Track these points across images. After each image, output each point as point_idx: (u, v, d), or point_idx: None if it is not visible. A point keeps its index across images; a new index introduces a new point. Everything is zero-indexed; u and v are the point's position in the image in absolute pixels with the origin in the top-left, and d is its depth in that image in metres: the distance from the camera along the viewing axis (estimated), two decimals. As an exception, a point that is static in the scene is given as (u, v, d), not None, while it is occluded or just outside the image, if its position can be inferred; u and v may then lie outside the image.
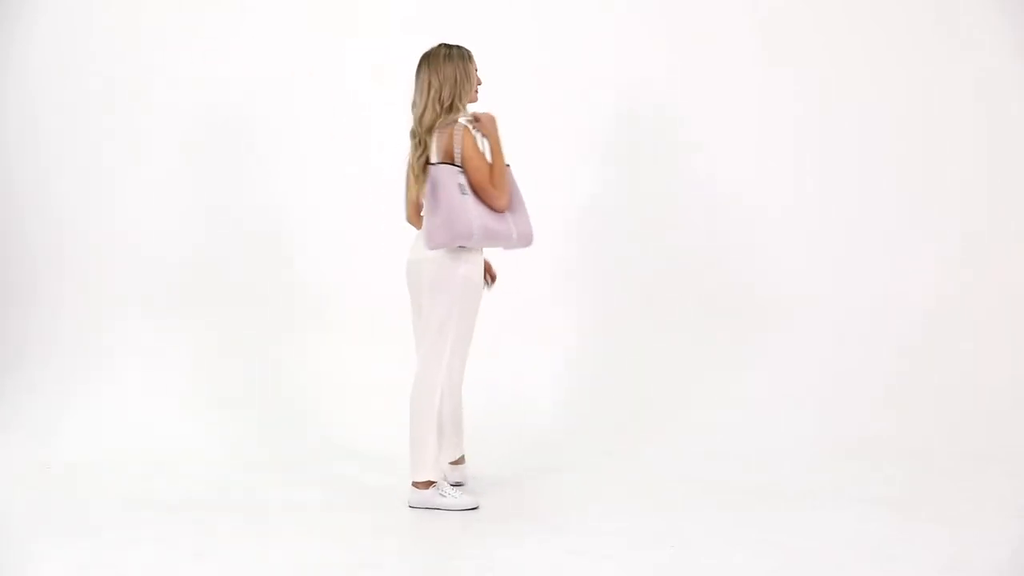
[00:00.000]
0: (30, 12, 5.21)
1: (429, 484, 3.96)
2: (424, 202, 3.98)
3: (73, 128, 5.23)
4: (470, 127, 3.99)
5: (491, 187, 3.95)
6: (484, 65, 4.12)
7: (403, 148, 4.31)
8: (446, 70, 3.95)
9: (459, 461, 4.25)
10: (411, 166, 4.02)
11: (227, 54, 5.26)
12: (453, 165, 3.90)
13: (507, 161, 4.00)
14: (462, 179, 3.91)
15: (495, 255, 4.21)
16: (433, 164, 3.92)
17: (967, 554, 3.39)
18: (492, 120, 4.02)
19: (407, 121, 4.06)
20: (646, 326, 5.21)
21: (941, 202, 5.26)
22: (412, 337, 4.09)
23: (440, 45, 4.01)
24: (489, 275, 4.19)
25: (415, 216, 4.14)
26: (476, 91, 4.02)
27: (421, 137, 3.98)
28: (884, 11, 5.27)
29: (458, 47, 4.00)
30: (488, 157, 3.98)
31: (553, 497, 4.08)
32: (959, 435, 4.81)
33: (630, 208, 5.29)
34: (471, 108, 4.02)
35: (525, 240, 4.05)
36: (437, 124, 3.95)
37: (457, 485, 4.13)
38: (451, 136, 3.93)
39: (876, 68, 5.26)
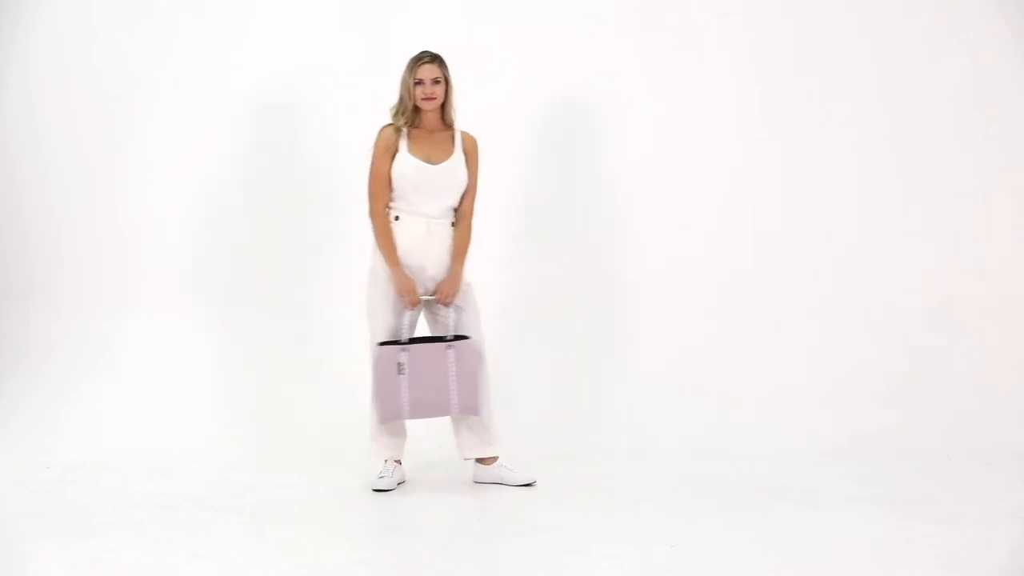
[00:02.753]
0: (30, 12, 5.21)
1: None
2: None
3: (73, 127, 5.22)
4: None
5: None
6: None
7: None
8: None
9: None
10: None
11: (229, 52, 5.25)
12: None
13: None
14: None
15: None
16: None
17: (967, 554, 3.39)
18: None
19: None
20: (644, 325, 5.21)
21: (941, 202, 5.25)
22: None
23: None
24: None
25: None
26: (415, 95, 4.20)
27: None
28: (882, 10, 5.26)
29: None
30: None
31: (553, 497, 4.08)
32: (959, 435, 4.81)
33: (626, 208, 5.28)
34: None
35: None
36: None
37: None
38: None
39: (875, 67, 5.25)
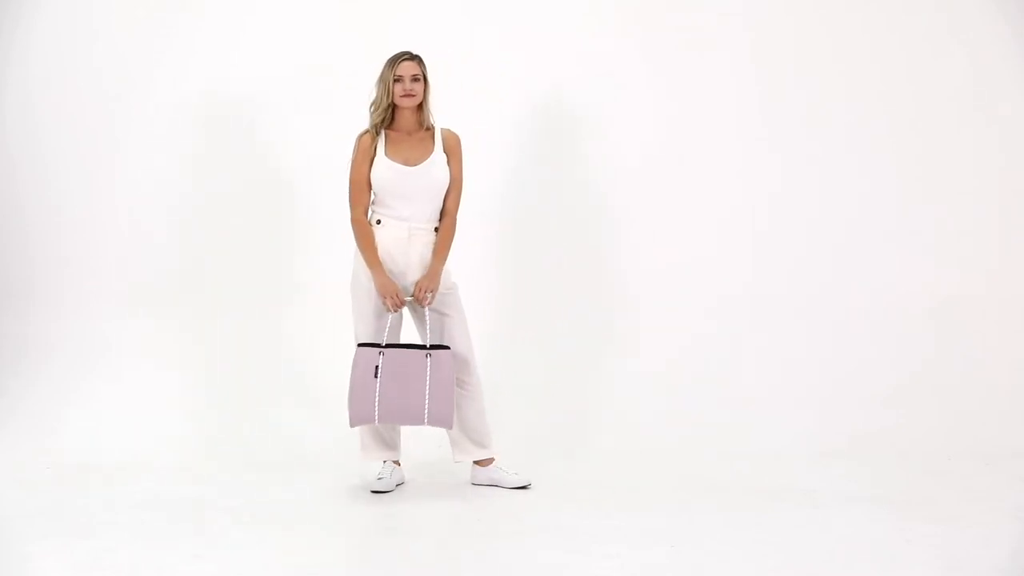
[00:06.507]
0: (30, 12, 5.21)
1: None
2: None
3: (73, 127, 5.22)
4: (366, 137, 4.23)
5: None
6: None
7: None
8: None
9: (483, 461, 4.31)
10: None
11: (230, 52, 5.25)
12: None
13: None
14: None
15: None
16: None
17: (967, 554, 3.39)
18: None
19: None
20: (643, 325, 5.20)
21: (941, 202, 5.25)
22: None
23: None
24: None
25: None
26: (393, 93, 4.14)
27: None
28: (882, 10, 5.26)
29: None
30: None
31: (553, 497, 4.08)
32: (959, 435, 4.81)
33: (625, 208, 5.28)
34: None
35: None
36: None
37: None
38: None
39: (875, 67, 5.25)
